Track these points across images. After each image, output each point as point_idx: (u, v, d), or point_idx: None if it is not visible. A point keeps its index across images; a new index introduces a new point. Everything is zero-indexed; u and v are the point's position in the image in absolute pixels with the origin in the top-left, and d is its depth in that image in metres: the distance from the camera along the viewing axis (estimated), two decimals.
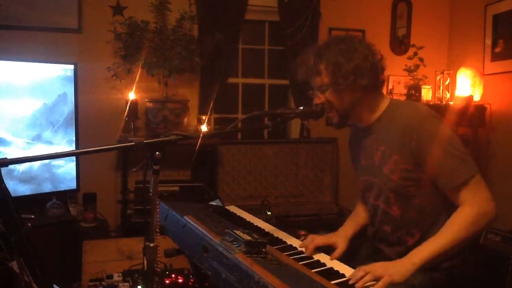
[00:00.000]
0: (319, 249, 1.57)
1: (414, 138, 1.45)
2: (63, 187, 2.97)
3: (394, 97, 3.69)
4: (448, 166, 1.44)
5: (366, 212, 1.77)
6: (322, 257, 1.52)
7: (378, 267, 1.33)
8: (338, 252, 1.57)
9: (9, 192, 1.30)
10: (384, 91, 3.49)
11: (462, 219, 1.41)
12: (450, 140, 1.46)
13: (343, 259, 1.52)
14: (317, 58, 1.54)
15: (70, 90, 2.94)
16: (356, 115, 1.60)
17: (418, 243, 1.54)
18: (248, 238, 1.28)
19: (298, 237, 1.70)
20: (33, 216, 2.74)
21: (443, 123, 1.50)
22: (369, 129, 1.61)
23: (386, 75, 1.60)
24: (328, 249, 1.59)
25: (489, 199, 1.43)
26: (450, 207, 1.48)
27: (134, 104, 3.15)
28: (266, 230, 1.77)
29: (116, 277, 2.33)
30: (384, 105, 1.59)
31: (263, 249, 1.28)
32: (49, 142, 2.88)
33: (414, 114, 1.50)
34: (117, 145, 1.39)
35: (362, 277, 1.29)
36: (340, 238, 1.65)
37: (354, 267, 1.40)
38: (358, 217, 1.79)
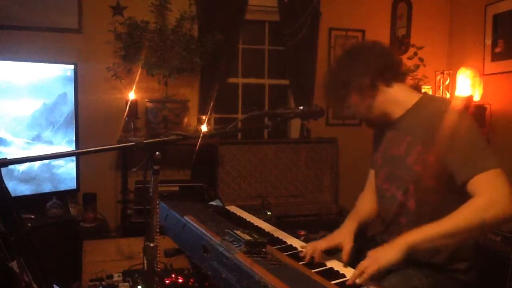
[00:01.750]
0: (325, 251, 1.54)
1: (438, 128, 1.44)
2: (63, 187, 2.97)
3: None
4: (470, 157, 1.40)
5: (369, 207, 1.75)
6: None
7: (368, 257, 1.31)
8: (346, 251, 1.52)
9: (9, 192, 1.30)
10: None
11: (468, 208, 1.34)
12: (475, 133, 1.45)
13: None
14: (338, 81, 1.57)
15: (70, 90, 2.94)
16: (386, 111, 1.60)
17: None
18: (248, 238, 1.28)
19: (298, 237, 1.70)
20: (33, 216, 2.74)
21: (469, 117, 1.48)
22: (397, 122, 1.60)
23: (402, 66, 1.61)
24: (332, 250, 1.57)
25: (506, 192, 1.33)
26: None
27: (134, 104, 3.14)
28: (266, 230, 1.77)
29: (116, 277, 2.33)
30: (413, 99, 1.58)
31: (263, 249, 1.28)
32: (49, 142, 2.88)
33: (440, 106, 1.50)
34: (117, 145, 1.39)
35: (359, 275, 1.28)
36: (345, 236, 1.60)
37: (354, 267, 1.40)
38: (359, 213, 1.76)
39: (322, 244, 1.54)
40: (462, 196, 1.43)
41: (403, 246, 1.31)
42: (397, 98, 1.58)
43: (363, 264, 1.31)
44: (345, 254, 1.50)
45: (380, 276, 1.31)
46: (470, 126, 1.46)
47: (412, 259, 1.40)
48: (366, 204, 1.78)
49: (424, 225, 1.48)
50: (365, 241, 1.74)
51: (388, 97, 1.57)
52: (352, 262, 1.48)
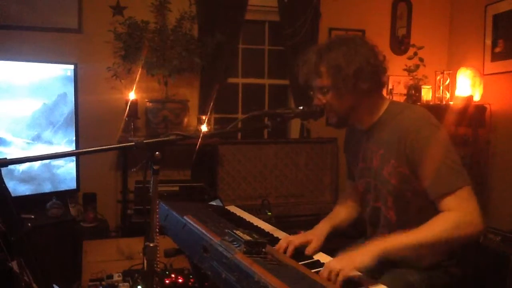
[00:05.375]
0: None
1: (408, 144, 1.44)
2: (63, 187, 2.97)
3: (394, 97, 3.69)
4: (439, 175, 1.41)
5: (345, 213, 1.78)
6: (322, 257, 1.52)
7: (338, 262, 1.31)
8: (311, 247, 1.56)
9: (9, 192, 1.30)
10: (384, 91, 3.49)
11: (444, 221, 1.37)
12: (446, 149, 1.44)
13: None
14: (318, 59, 1.52)
15: (70, 90, 2.94)
16: (356, 117, 1.60)
17: None
18: (248, 238, 1.28)
19: None
20: (33, 216, 2.74)
21: (441, 130, 1.47)
22: (368, 131, 1.61)
23: (386, 75, 1.59)
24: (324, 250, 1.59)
25: (477, 210, 1.38)
26: None
27: (134, 104, 3.14)
28: (266, 230, 1.77)
29: (116, 277, 2.33)
30: (383, 107, 1.58)
31: (263, 249, 1.28)
32: (49, 142, 2.88)
33: (412, 120, 1.48)
34: (117, 145, 1.39)
35: (327, 276, 1.28)
36: (316, 235, 1.64)
37: None
38: (334, 216, 1.79)
39: (296, 240, 1.57)
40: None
41: (377, 252, 1.31)
42: (373, 106, 1.57)
43: (334, 265, 1.30)
44: (311, 249, 1.55)
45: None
46: (441, 141, 1.45)
47: (399, 264, 1.41)
48: (341, 212, 1.80)
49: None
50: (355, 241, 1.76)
51: (369, 104, 1.56)
52: None
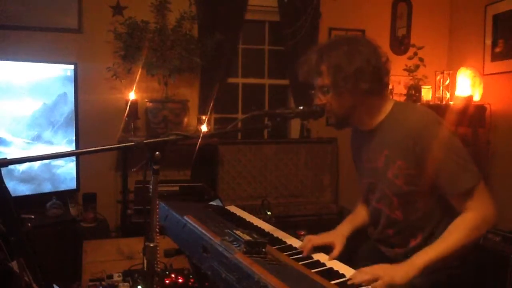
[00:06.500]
0: (317, 249, 1.56)
1: (418, 144, 1.44)
2: (63, 187, 2.97)
3: (394, 97, 3.69)
4: (452, 174, 1.43)
5: (366, 213, 1.77)
6: (322, 257, 1.52)
7: (379, 269, 1.33)
8: (335, 252, 1.56)
9: (9, 192, 1.30)
10: None
11: (465, 225, 1.41)
12: (455, 147, 1.45)
13: (342, 259, 1.52)
14: (319, 59, 1.52)
15: (70, 90, 2.94)
16: (357, 118, 1.59)
17: (419, 245, 1.54)
18: (248, 238, 1.28)
19: (298, 237, 1.70)
20: (33, 216, 2.74)
21: (448, 129, 1.48)
22: (372, 132, 1.60)
23: (388, 76, 1.58)
24: (326, 249, 1.59)
25: (491, 205, 1.44)
26: (453, 210, 1.48)
27: (134, 104, 3.14)
28: (266, 230, 1.77)
29: (116, 277, 2.32)
30: (387, 108, 1.57)
31: (263, 249, 1.28)
32: (49, 142, 2.88)
33: (419, 119, 1.49)
34: (117, 145, 1.39)
35: (362, 278, 1.29)
36: (337, 237, 1.64)
37: (353, 267, 1.40)
38: (356, 217, 1.79)
39: (317, 239, 1.58)
40: (445, 198, 1.48)
41: (414, 272, 1.35)
42: (376, 108, 1.57)
43: (366, 270, 1.32)
44: (334, 255, 1.55)
45: None
46: (450, 139, 1.46)
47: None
48: (362, 211, 1.80)
49: (413, 232, 1.52)
50: (363, 239, 1.76)
51: (370, 105, 1.56)
52: (349, 258, 1.52)
